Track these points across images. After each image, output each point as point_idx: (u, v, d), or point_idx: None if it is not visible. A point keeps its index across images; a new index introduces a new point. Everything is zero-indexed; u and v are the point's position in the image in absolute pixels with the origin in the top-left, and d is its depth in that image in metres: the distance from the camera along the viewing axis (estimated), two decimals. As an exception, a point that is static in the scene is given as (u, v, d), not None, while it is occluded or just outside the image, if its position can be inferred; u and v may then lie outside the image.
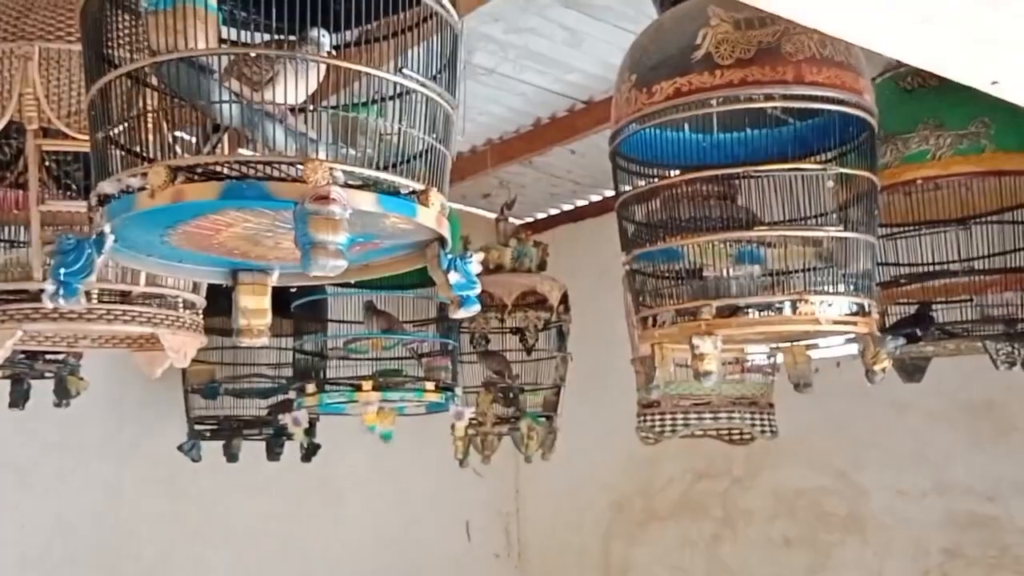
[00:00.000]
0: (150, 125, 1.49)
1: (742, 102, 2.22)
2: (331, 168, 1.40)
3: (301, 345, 3.75)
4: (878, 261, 3.14)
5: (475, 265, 1.70)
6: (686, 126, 2.51)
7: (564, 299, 4.29)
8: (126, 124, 1.50)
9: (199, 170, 1.41)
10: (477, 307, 1.71)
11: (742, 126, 2.52)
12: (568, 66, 4.20)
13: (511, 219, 4.45)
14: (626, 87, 2.38)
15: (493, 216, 4.38)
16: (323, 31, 1.59)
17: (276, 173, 1.43)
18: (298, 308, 3.68)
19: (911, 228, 3.13)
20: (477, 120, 4.71)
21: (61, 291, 1.49)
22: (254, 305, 1.74)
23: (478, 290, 1.70)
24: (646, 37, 2.43)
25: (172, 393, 4.39)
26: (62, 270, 1.48)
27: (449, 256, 1.66)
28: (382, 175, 1.47)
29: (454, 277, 1.66)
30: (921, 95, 2.89)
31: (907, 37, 1.39)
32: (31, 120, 2.12)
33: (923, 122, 2.83)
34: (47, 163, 2.35)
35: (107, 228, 1.49)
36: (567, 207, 6.18)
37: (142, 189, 1.42)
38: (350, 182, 1.45)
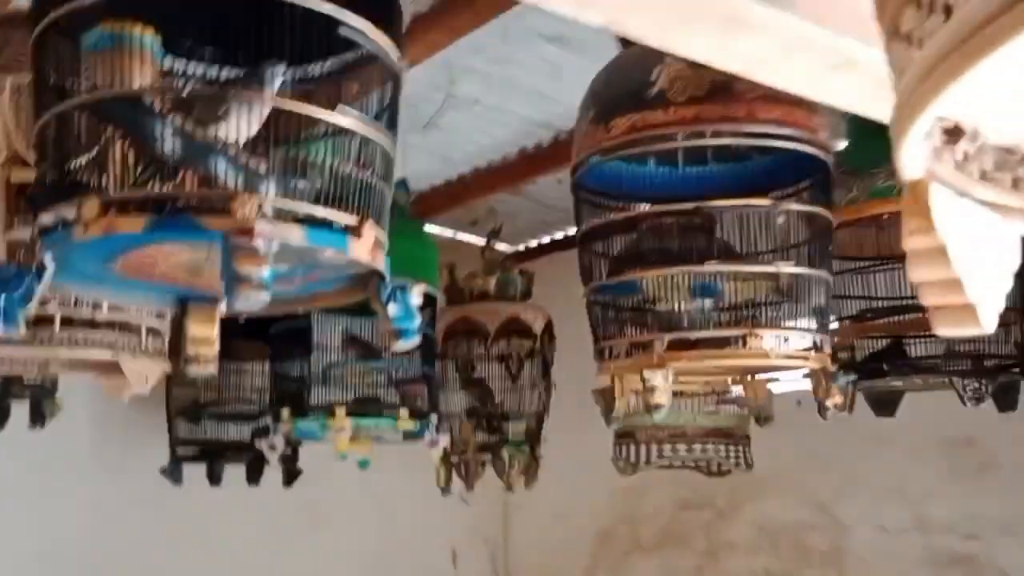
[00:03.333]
0: (87, 158, 1.53)
1: (692, 138, 2.23)
2: (259, 203, 1.44)
3: (277, 370, 3.77)
4: (848, 294, 3.18)
5: (415, 297, 1.73)
6: (651, 160, 2.54)
7: (548, 328, 4.31)
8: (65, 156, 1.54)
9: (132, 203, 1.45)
10: (416, 340, 1.74)
11: (706, 160, 2.55)
12: (551, 98, 4.23)
13: (502, 247, 4.47)
14: (585, 121, 2.42)
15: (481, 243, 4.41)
16: (275, 68, 1.63)
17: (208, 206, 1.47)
18: (277, 334, 3.71)
19: (882, 262, 3.14)
20: (464, 149, 4.75)
21: (0, 319, 1.53)
22: (202, 334, 1.77)
23: (417, 322, 1.73)
24: (606, 73, 2.47)
25: (157, 414, 4.41)
26: (1, 297, 1.52)
27: (388, 288, 1.70)
28: (312, 208, 1.51)
29: (393, 309, 1.69)
30: (886, 131, 2.91)
31: (823, 82, 1.42)
32: None
33: (887, 158, 2.84)
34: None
35: (47, 258, 1.52)
36: (559, 235, 6.19)
37: (77, 221, 1.45)
38: (282, 216, 1.48)
